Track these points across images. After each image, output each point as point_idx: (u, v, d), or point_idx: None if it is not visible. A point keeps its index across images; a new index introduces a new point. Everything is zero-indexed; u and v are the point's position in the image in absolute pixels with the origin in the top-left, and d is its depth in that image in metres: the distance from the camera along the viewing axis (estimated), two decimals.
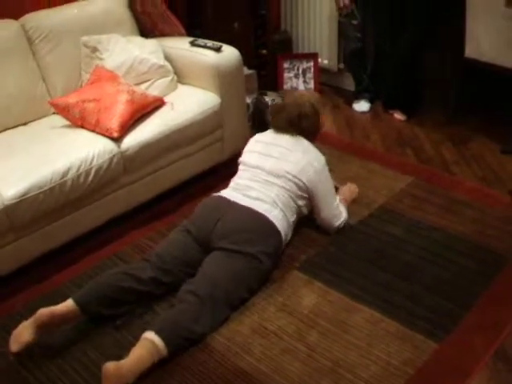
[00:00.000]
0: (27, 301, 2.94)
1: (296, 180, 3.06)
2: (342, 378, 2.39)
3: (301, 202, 3.12)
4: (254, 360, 2.51)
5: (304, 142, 3.18)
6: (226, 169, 3.73)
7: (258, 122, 4.39)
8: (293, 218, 3.10)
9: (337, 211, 3.23)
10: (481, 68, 4.00)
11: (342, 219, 3.27)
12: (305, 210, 3.19)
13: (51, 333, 2.63)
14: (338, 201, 3.24)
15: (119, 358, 2.42)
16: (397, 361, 2.46)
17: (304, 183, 3.07)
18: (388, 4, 4.36)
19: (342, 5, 4.55)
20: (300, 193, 3.09)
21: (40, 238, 3.09)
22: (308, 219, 3.31)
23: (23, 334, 2.54)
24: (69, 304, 2.62)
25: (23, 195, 2.92)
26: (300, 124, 3.18)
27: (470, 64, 4.06)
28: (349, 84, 5.11)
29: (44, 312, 2.54)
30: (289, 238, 3.12)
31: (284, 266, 3.05)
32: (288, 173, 3.06)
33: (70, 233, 3.23)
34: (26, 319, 2.59)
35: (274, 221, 2.94)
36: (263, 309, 2.78)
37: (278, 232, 2.95)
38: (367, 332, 2.61)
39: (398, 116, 4.67)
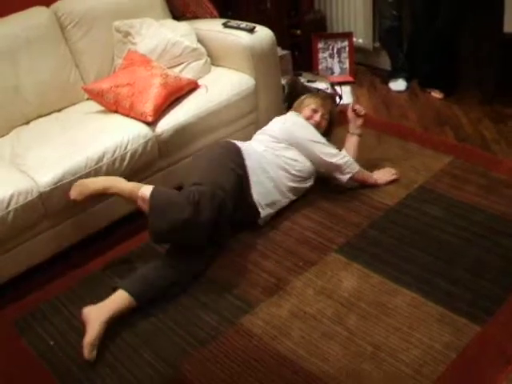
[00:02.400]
0: (65, 287, 2.95)
1: (267, 131, 3.37)
2: (383, 361, 2.36)
3: (285, 154, 3.27)
4: (292, 344, 2.49)
5: (287, 112, 3.59)
6: None
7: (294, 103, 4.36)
8: (278, 152, 3.27)
9: (332, 151, 3.33)
10: None
11: (346, 158, 3.33)
12: (293, 163, 3.27)
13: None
14: (330, 145, 3.39)
15: (156, 342, 2.46)
16: (439, 344, 2.41)
17: (275, 131, 3.33)
18: None
19: None
20: (277, 144, 3.30)
21: (75, 225, 3.11)
22: (344, 203, 3.31)
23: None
24: (123, 296, 2.62)
25: (58, 182, 2.93)
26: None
27: (509, 39, 3.96)
28: (385, 63, 5.03)
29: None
30: (271, 172, 3.22)
31: (323, 248, 3.02)
32: (262, 129, 3.45)
33: (106, 219, 3.25)
34: (65, 305, 2.59)
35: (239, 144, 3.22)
36: (302, 292, 2.76)
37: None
38: (408, 315, 2.57)
39: (436, 94, 4.58)
